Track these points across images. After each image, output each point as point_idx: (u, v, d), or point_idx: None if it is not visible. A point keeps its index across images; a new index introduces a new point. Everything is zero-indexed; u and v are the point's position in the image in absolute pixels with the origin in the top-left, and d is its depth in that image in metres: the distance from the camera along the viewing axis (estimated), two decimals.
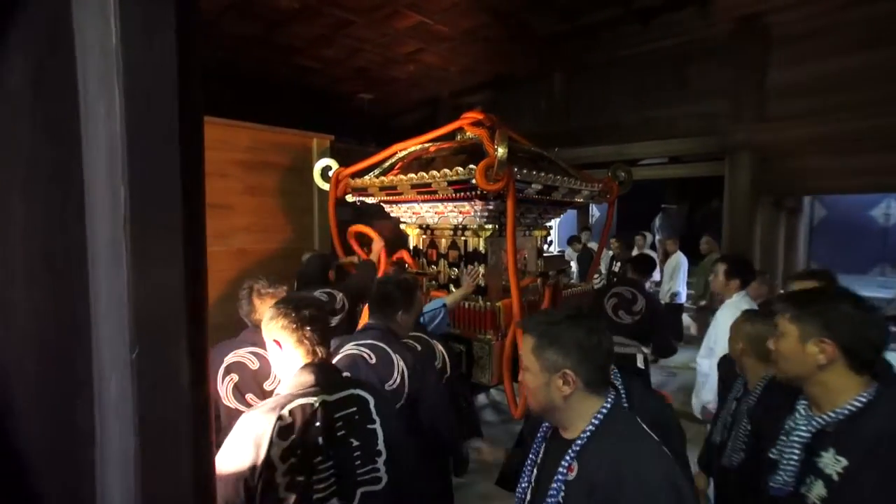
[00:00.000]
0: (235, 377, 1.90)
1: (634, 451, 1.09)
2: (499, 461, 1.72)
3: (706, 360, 2.75)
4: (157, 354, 0.51)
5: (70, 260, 0.49)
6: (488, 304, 3.18)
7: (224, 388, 1.89)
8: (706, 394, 2.70)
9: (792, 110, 5.11)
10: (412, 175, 3.15)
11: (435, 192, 3.16)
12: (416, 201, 3.52)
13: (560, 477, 1.12)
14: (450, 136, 3.67)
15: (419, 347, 2.16)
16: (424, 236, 3.82)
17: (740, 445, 1.68)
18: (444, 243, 3.66)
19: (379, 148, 3.86)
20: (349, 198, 3.87)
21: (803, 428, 1.23)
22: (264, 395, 1.88)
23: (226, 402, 1.87)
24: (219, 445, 1.24)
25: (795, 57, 5.09)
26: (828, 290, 1.43)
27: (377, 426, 1.34)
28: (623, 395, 1.63)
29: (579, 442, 1.12)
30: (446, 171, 2.92)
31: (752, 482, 1.63)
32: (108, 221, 0.48)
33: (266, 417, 1.24)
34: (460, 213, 3.39)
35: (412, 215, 3.78)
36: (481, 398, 4.68)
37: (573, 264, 7.06)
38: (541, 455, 1.25)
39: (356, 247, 3.88)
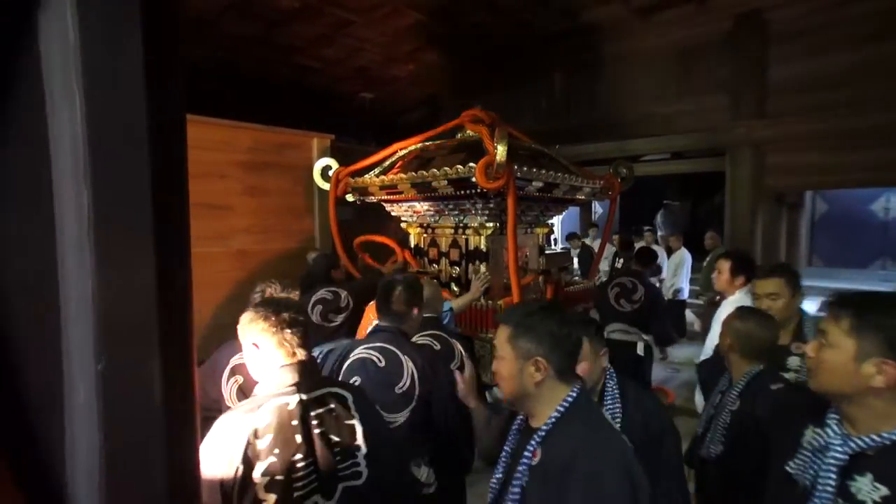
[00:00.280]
0: (240, 379, 1.88)
1: (591, 438, 1.12)
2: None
3: None
4: (124, 365, 0.49)
5: (44, 266, 0.48)
6: (490, 302, 3.18)
7: (228, 389, 1.88)
8: None
9: (791, 106, 5.11)
10: (412, 174, 3.15)
11: (435, 191, 3.16)
12: (416, 200, 3.52)
13: (525, 461, 1.15)
14: (450, 134, 3.67)
15: (438, 346, 2.17)
16: (425, 235, 3.81)
17: (719, 437, 1.70)
18: (444, 242, 3.65)
19: (379, 147, 3.86)
20: (349, 197, 3.87)
21: (839, 449, 1.05)
22: None
23: (229, 405, 1.85)
24: None
25: (795, 53, 5.09)
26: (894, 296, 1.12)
27: (356, 421, 1.34)
28: (617, 395, 1.64)
29: (544, 428, 1.16)
30: (446, 169, 2.91)
31: (731, 473, 1.65)
32: (74, 225, 0.47)
33: (242, 418, 1.24)
34: (461, 211, 3.39)
35: (413, 214, 3.78)
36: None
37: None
38: (514, 447, 1.27)
39: (366, 258, 3.94)
